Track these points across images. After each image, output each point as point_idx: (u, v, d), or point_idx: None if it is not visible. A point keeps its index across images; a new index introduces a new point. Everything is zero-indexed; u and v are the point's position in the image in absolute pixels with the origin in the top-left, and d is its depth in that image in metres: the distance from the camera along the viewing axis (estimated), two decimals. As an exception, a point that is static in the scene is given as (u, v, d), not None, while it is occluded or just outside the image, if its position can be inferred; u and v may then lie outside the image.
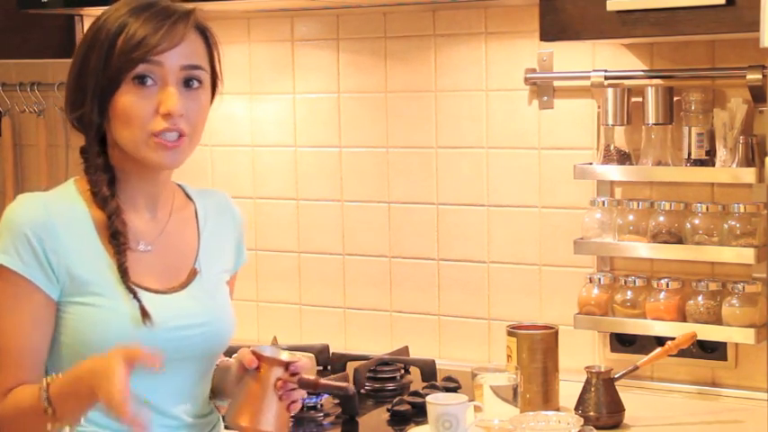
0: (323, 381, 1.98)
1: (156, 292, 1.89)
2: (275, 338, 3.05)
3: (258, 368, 1.90)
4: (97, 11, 2.95)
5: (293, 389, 1.90)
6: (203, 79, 1.90)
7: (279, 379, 1.89)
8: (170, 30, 1.84)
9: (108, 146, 1.89)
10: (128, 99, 1.84)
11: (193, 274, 1.96)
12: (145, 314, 1.83)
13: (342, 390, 2.14)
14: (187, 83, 1.87)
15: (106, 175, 1.88)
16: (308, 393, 2.01)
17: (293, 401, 1.90)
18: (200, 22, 1.90)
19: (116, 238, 1.85)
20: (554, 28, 2.52)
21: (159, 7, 1.87)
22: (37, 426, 1.77)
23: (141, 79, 1.84)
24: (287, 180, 3.21)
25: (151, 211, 1.94)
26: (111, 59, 1.83)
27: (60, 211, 1.86)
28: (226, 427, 1.97)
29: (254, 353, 1.90)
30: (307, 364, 1.94)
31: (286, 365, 1.90)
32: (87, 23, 3.07)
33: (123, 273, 1.85)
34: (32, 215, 1.83)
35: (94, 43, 1.86)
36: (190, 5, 1.90)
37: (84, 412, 1.77)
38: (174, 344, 1.88)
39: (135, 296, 1.84)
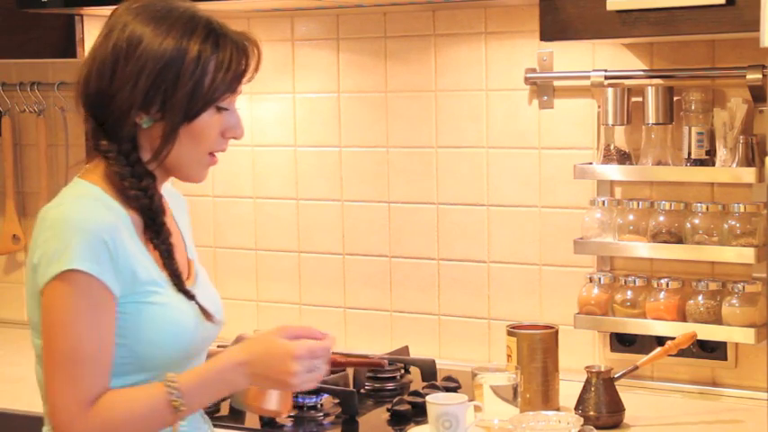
0: (352, 359, 2.01)
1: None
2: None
3: None
4: (97, 11, 2.98)
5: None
6: None
7: None
8: (255, 60, 1.91)
9: (139, 150, 1.89)
10: (207, 122, 1.88)
11: (191, 264, 2.01)
12: (205, 312, 1.91)
13: (376, 365, 2.17)
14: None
15: (152, 180, 1.90)
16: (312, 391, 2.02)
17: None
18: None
19: (162, 238, 1.88)
20: (554, 28, 2.52)
21: (232, 37, 1.89)
22: (158, 426, 1.81)
23: (224, 108, 1.90)
24: (287, 180, 3.21)
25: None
26: (202, 87, 1.85)
27: (115, 211, 1.86)
28: (231, 409, 1.99)
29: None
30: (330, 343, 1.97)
31: None
32: (87, 23, 3.10)
33: (177, 273, 1.90)
34: (99, 217, 1.82)
35: (171, 65, 1.84)
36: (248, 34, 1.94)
37: (213, 401, 1.86)
38: (208, 335, 1.96)
39: (193, 298, 1.90)
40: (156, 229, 1.88)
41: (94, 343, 1.79)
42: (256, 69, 1.93)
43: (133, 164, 1.87)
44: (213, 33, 1.88)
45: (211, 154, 1.92)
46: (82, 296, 1.78)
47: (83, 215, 1.81)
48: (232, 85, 1.88)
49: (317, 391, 2.58)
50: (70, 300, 1.78)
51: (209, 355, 2.01)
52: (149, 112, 1.86)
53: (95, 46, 1.90)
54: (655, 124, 2.67)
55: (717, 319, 2.63)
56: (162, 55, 1.84)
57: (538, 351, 2.55)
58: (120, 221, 1.85)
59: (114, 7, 1.93)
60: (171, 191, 2.09)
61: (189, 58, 1.85)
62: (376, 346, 3.05)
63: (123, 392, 1.80)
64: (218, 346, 2.11)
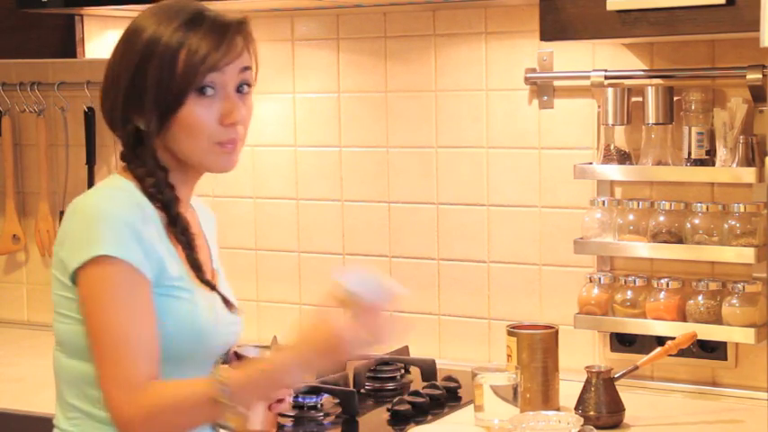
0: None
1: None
2: (275, 338, 3.05)
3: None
4: (97, 11, 2.99)
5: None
6: (252, 81, 1.93)
7: None
8: (230, 43, 1.87)
9: (157, 149, 1.89)
10: (192, 112, 1.85)
11: (215, 274, 2.01)
12: (228, 303, 1.91)
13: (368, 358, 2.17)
14: (239, 88, 1.90)
15: (165, 176, 1.90)
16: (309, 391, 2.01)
17: (274, 401, 1.92)
18: (249, 31, 1.94)
19: (185, 234, 1.89)
20: (554, 28, 2.52)
21: (212, 19, 1.88)
22: (202, 421, 1.81)
23: (203, 90, 1.85)
24: (287, 180, 3.21)
25: (187, 212, 1.97)
26: (175, 75, 1.84)
27: (143, 204, 1.87)
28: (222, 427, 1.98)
29: (235, 353, 1.94)
30: None
31: None
32: (87, 23, 3.10)
33: (199, 268, 1.90)
34: (128, 207, 1.83)
35: (149, 57, 1.85)
36: (235, 11, 1.93)
37: (259, 399, 1.82)
38: (226, 338, 1.95)
39: (214, 289, 1.90)
40: (172, 221, 1.89)
41: (136, 326, 1.79)
42: (246, 49, 1.90)
43: (150, 163, 1.88)
44: (195, 19, 1.86)
45: (219, 143, 1.89)
46: (115, 280, 1.79)
47: (110, 204, 1.83)
48: (206, 66, 1.84)
49: (317, 391, 2.58)
50: (105, 284, 1.79)
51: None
52: (142, 114, 1.86)
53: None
54: (655, 124, 2.67)
55: (717, 319, 2.63)
56: (140, 48, 1.86)
57: (538, 351, 2.55)
58: (149, 215, 1.86)
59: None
60: (202, 206, 2.10)
61: (161, 46, 1.84)
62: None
63: (172, 382, 1.81)
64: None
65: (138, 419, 1.77)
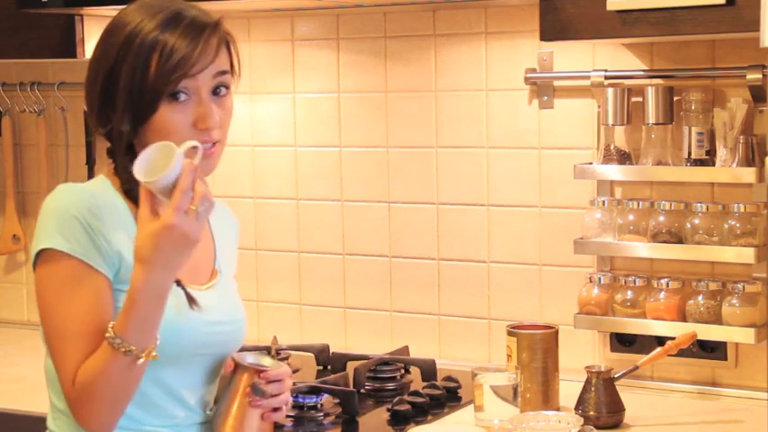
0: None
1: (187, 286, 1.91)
2: (275, 338, 3.04)
3: (234, 373, 1.90)
4: (97, 11, 2.99)
5: (259, 399, 1.89)
6: (229, 84, 1.90)
7: (248, 386, 1.88)
8: (205, 46, 1.84)
9: (136, 146, 1.88)
10: (166, 116, 1.83)
11: (215, 274, 2.00)
12: (192, 300, 1.86)
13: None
14: (216, 90, 1.88)
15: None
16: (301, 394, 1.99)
17: (264, 413, 1.90)
18: (227, 31, 1.91)
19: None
20: (554, 28, 2.52)
21: (188, 20, 1.85)
22: (125, 377, 1.77)
23: (176, 95, 1.83)
24: (287, 180, 3.21)
25: None
26: (147, 78, 1.82)
27: (105, 199, 1.86)
28: None
29: (232, 358, 1.92)
30: (282, 373, 1.91)
31: (257, 373, 1.89)
32: (87, 23, 3.10)
33: None
34: (80, 200, 1.82)
35: (122, 59, 1.83)
36: (213, 10, 1.90)
37: (159, 323, 1.77)
38: (205, 338, 1.91)
39: (179, 284, 1.85)
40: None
41: (75, 318, 1.79)
42: (226, 51, 1.88)
43: (123, 163, 1.86)
44: (173, 19, 1.84)
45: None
46: (55, 273, 1.80)
47: (60, 199, 1.83)
48: (178, 70, 1.81)
49: (317, 391, 2.58)
50: (45, 279, 1.82)
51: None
52: (117, 115, 1.85)
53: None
54: (655, 124, 2.67)
55: (717, 319, 2.63)
56: (116, 47, 1.84)
57: (538, 351, 2.55)
58: (114, 209, 1.85)
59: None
60: (224, 210, 2.10)
61: (135, 47, 1.82)
62: (376, 346, 3.05)
63: (87, 361, 1.79)
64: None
65: (77, 405, 1.79)
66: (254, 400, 1.88)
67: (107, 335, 1.76)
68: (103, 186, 1.90)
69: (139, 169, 1.74)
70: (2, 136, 3.56)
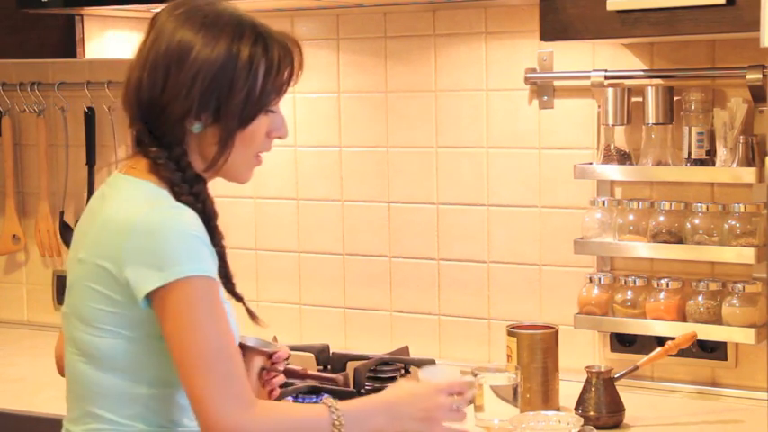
0: (310, 371, 2.04)
1: None
2: (275, 338, 3.05)
3: (243, 357, 1.93)
4: (97, 11, 2.98)
5: (274, 377, 1.99)
6: None
7: (263, 368, 1.99)
8: (299, 60, 1.95)
9: (189, 155, 1.90)
10: (257, 126, 1.91)
11: None
12: (252, 314, 1.96)
13: (330, 381, 2.18)
14: None
15: (203, 184, 1.91)
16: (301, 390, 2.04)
17: (272, 389, 2.00)
18: None
19: (216, 240, 1.90)
20: (554, 28, 2.52)
21: (274, 35, 1.91)
22: None
23: (271, 109, 1.93)
24: (287, 180, 3.21)
25: None
26: (254, 91, 1.88)
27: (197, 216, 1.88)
28: None
29: (240, 344, 1.92)
30: (287, 351, 2.03)
31: (269, 355, 1.99)
32: (87, 23, 3.10)
33: (230, 276, 1.95)
34: (194, 220, 1.83)
35: (224, 72, 1.85)
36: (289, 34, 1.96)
37: None
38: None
39: (241, 300, 1.94)
40: (210, 232, 1.87)
41: (231, 341, 1.81)
42: (301, 69, 1.96)
43: (184, 169, 1.88)
44: (261, 37, 1.89)
45: (257, 155, 1.94)
46: (205, 298, 1.79)
47: (179, 220, 1.81)
48: (282, 87, 1.92)
49: (317, 391, 2.58)
50: (196, 303, 1.78)
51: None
52: (200, 118, 1.87)
53: (144, 51, 1.89)
54: (655, 124, 2.67)
55: (717, 319, 2.63)
56: (215, 61, 1.85)
57: (538, 351, 2.55)
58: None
59: (156, 11, 1.93)
60: None
61: (240, 63, 1.86)
62: (376, 346, 3.05)
63: (282, 403, 1.91)
64: None
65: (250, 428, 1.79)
66: (267, 380, 1.99)
67: (329, 403, 1.82)
68: (168, 197, 1.88)
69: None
70: (2, 136, 3.56)
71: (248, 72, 1.87)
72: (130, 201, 1.85)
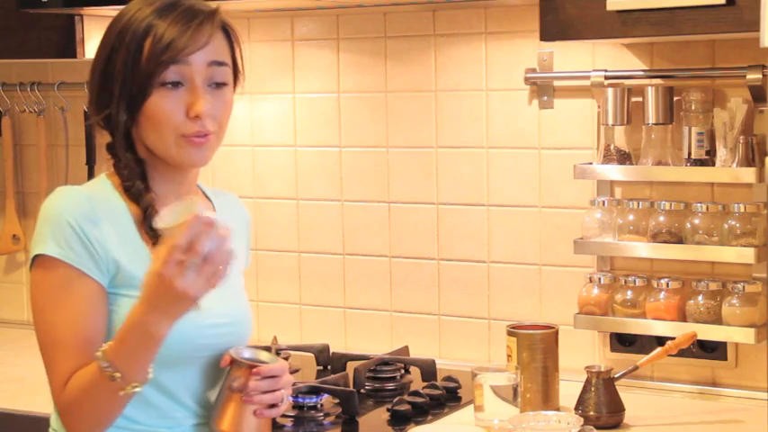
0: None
1: None
2: (275, 338, 3.05)
3: (229, 369, 1.89)
4: (97, 11, 2.99)
5: (257, 394, 1.87)
6: (228, 76, 1.91)
7: (241, 382, 1.87)
8: (197, 31, 1.85)
9: (135, 141, 1.90)
10: (157, 103, 1.84)
11: None
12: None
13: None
14: (213, 81, 1.88)
15: (138, 168, 1.90)
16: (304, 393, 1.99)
17: (263, 407, 1.88)
18: (224, 21, 1.92)
19: (153, 230, 1.85)
20: (554, 28, 2.52)
21: (184, 7, 1.86)
22: (108, 400, 1.78)
23: (171, 83, 1.84)
24: (287, 180, 3.21)
25: None
26: (139, 63, 1.84)
27: (101, 202, 1.87)
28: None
29: (229, 353, 1.90)
30: (277, 368, 1.89)
31: (250, 368, 1.87)
32: (87, 23, 3.10)
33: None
34: (75, 205, 1.83)
35: (119, 45, 1.85)
36: (212, 4, 1.91)
37: (151, 360, 1.77)
38: (202, 341, 1.90)
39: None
40: (147, 219, 1.87)
41: (66, 325, 1.81)
42: (226, 42, 1.90)
43: (122, 156, 1.89)
44: (169, 7, 1.85)
45: (185, 136, 1.85)
46: (48, 280, 1.82)
47: (56, 204, 1.84)
48: (167, 53, 1.82)
49: (317, 391, 2.58)
50: (39, 284, 1.84)
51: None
52: (110, 107, 1.86)
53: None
54: (655, 124, 2.67)
55: (717, 319, 2.63)
56: (99, 54, 1.88)
57: (538, 351, 2.55)
58: (112, 212, 1.86)
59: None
60: (235, 202, 2.12)
61: (129, 34, 1.85)
62: (376, 346, 3.05)
63: (81, 371, 1.79)
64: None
65: (64, 413, 1.82)
66: (246, 397, 1.86)
67: (97, 354, 1.77)
68: (103, 187, 1.91)
69: (161, 218, 1.76)
70: (2, 136, 3.56)
71: (132, 42, 1.83)
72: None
